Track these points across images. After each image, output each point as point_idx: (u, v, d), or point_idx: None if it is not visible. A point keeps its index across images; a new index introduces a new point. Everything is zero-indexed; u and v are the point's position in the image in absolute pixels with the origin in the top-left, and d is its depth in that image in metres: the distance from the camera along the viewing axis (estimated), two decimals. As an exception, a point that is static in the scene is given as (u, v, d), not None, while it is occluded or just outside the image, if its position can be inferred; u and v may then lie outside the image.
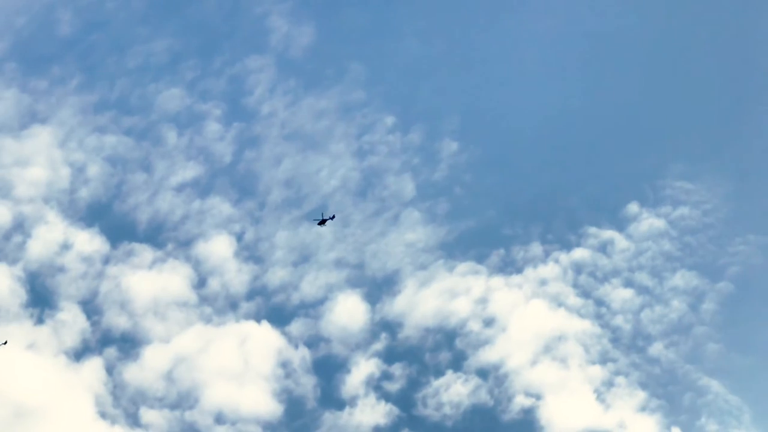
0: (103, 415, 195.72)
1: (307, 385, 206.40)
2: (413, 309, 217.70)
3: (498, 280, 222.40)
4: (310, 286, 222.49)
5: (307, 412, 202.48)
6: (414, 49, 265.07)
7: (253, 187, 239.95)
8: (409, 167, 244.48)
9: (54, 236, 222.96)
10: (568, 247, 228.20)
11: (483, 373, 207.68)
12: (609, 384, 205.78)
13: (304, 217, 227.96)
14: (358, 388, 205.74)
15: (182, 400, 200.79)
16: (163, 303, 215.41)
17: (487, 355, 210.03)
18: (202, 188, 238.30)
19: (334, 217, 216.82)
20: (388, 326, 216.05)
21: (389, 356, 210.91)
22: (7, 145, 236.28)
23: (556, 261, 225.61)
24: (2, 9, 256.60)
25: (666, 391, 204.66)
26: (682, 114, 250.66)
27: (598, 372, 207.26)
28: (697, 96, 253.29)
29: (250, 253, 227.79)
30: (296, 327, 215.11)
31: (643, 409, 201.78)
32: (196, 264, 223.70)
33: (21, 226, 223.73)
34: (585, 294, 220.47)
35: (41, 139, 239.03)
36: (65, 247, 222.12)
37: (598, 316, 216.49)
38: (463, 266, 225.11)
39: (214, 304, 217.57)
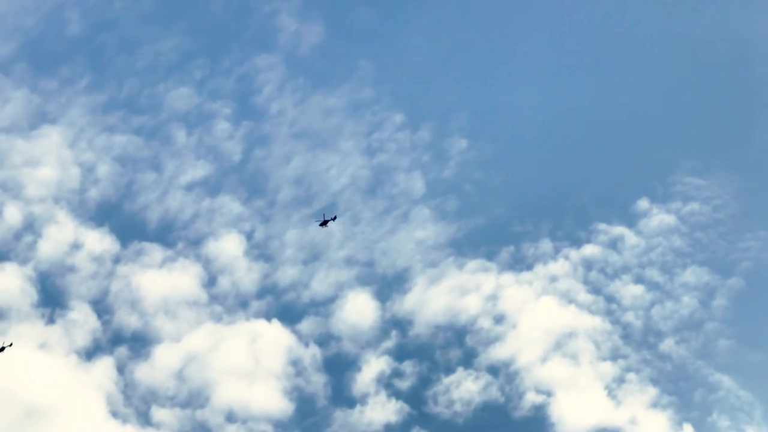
0: (115, 414, 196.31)
1: (318, 383, 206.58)
2: (423, 306, 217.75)
3: (508, 277, 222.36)
4: (320, 284, 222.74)
5: (317, 411, 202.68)
6: (423, 46, 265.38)
7: (263, 185, 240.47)
8: (419, 165, 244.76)
9: (64, 236, 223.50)
10: (578, 243, 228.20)
11: (494, 370, 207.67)
12: (620, 380, 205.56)
13: (314, 215, 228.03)
14: (369, 385, 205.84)
15: (193, 399, 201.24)
16: (173, 302, 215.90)
17: (497, 352, 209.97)
18: (211, 187, 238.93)
19: (335, 218, 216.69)
20: (399, 324, 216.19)
21: (400, 354, 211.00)
22: (18, 146, 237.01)
23: (566, 257, 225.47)
24: (11, 10, 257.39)
25: (677, 387, 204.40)
26: (692, 110, 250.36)
27: (609, 368, 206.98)
28: (707, 91, 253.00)
29: (260, 251, 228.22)
30: (307, 325, 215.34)
31: (654, 405, 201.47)
32: (207, 263, 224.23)
33: (31, 226, 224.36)
34: (595, 290, 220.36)
35: (51, 140, 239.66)
36: (76, 246, 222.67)
37: (608, 313, 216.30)
38: (473, 263, 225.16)
39: (225, 302, 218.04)
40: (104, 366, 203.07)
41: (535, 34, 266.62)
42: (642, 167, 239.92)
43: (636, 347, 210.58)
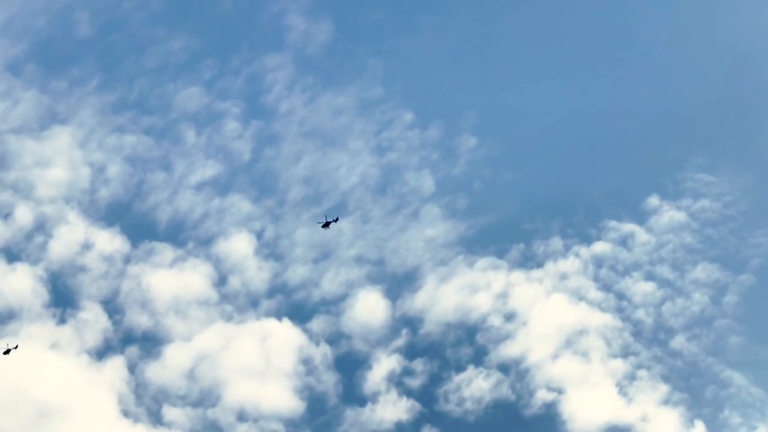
0: (126, 413, 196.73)
1: (329, 381, 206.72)
2: (434, 305, 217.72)
3: (518, 275, 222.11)
4: (330, 283, 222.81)
5: (328, 409, 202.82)
6: (432, 44, 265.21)
7: (273, 184, 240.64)
8: (428, 163, 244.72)
9: (75, 236, 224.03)
10: (588, 241, 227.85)
11: (504, 368, 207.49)
12: (631, 377, 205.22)
13: (324, 214, 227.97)
14: (380, 384, 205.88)
15: (204, 398, 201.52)
16: (184, 301, 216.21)
17: (508, 350, 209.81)
18: (221, 187, 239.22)
19: (337, 219, 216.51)
20: (409, 322, 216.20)
21: (410, 352, 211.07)
22: (28, 146, 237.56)
23: (577, 255, 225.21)
24: (21, 11, 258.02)
25: (688, 384, 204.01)
26: (702, 106, 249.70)
27: (619, 366, 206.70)
28: (717, 88, 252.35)
29: (270, 250, 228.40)
30: (317, 324, 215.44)
31: (665, 402, 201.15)
32: (217, 262, 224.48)
33: (42, 227, 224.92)
34: (606, 288, 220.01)
35: (61, 140, 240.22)
36: (86, 246, 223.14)
37: (619, 310, 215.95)
38: (483, 261, 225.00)
39: (235, 302, 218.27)
40: (115, 365, 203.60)
41: (543, 33, 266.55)
42: (652, 164, 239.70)
43: (647, 344, 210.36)
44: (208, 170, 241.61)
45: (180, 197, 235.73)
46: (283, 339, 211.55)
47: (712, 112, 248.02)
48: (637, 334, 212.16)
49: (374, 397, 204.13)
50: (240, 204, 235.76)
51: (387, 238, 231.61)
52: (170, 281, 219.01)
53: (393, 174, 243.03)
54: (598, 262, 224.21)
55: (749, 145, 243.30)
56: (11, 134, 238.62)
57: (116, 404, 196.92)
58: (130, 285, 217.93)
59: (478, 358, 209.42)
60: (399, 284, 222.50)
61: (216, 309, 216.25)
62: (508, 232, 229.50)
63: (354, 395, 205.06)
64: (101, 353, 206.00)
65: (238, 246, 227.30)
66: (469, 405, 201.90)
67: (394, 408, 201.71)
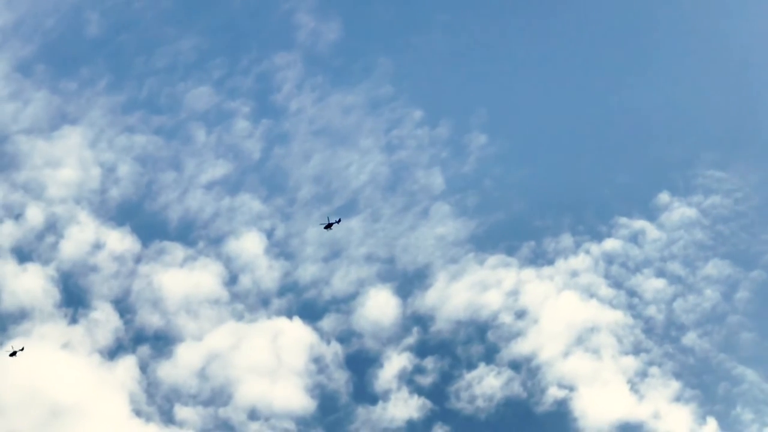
0: (138, 412, 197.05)
1: (340, 380, 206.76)
2: (444, 302, 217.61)
3: (529, 272, 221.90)
4: (341, 281, 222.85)
5: (340, 407, 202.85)
6: (441, 42, 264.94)
7: (283, 183, 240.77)
8: (438, 161, 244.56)
9: (86, 236, 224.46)
10: (599, 237, 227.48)
11: (515, 365, 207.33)
12: (643, 374, 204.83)
13: (331, 214, 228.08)
14: (391, 382, 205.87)
15: (216, 397, 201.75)
16: (195, 301, 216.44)
17: (519, 348, 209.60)
18: (231, 186, 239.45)
19: (340, 220, 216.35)
20: (420, 320, 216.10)
21: (421, 350, 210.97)
22: (39, 147, 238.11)
23: (587, 252, 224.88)
24: (31, 12, 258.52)
25: (700, 380, 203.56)
26: (712, 103, 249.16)
27: (631, 362, 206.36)
28: (727, 84, 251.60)
29: (280, 249, 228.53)
30: (328, 322, 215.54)
31: (677, 399, 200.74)
32: (227, 261, 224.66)
33: (53, 227, 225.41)
34: (617, 285, 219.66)
35: (72, 140, 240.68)
36: (97, 246, 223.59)
37: (630, 307, 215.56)
38: (493, 259, 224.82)
39: (246, 301, 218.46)
40: (127, 365, 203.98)
41: (553, 30, 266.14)
42: (662, 161, 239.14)
43: (658, 341, 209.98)
44: (218, 169, 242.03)
45: (190, 196, 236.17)
46: (294, 338, 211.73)
47: (722, 109, 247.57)
48: (648, 330, 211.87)
49: (385, 395, 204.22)
50: (250, 203, 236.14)
51: (397, 236, 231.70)
52: (181, 280, 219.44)
53: (403, 172, 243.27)
54: (609, 259, 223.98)
55: (760, 141, 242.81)
56: (22, 135, 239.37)
57: (128, 403, 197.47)
58: (141, 284, 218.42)
59: (489, 355, 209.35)
60: (409, 282, 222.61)
61: (227, 308, 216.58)
62: (518, 229, 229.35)
63: (365, 393, 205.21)
64: (113, 353, 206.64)
65: (249, 245, 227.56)
66: (480, 403, 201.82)
67: (405, 406, 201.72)
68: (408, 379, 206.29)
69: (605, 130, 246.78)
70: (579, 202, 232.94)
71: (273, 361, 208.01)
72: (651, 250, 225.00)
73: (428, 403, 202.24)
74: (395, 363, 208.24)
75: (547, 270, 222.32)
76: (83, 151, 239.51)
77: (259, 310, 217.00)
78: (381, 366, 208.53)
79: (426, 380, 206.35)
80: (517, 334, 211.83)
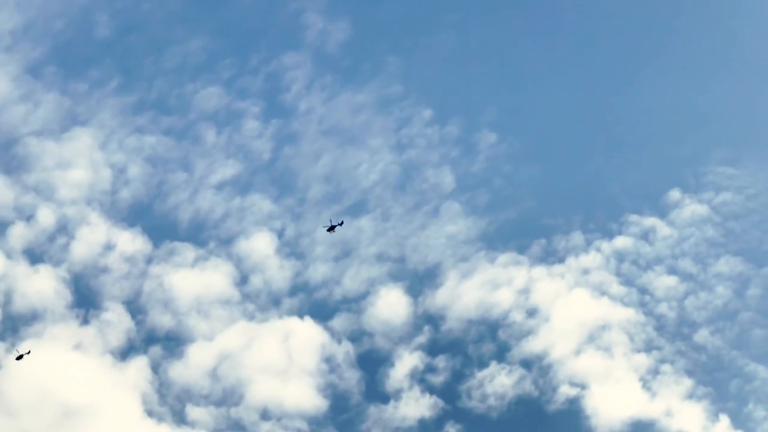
0: (150, 413, 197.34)
1: (352, 379, 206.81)
2: (455, 301, 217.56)
3: (540, 270, 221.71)
4: (351, 280, 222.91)
5: (352, 407, 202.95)
6: (450, 41, 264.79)
7: (293, 183, 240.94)
8: (448, 160, 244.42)
9: (97, 237, 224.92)
10: (609, 235, 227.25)
11: (527, 363, 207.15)
12: (655, 372, 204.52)
13: (345, 212, 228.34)
14: (402, 381, 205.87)
15: (227, 397, 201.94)
16: (206, 301, 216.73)
17: (530, 346, 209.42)
18: (241, 186, 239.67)
19: (342, 223, 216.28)
20: (431, 319, 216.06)
21: (433, 349, 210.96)
22: (49, 148, 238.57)
23: (598, 250, 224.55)
24: (40, 14, 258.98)
25: (713, 378, 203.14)
26: (723, 99, 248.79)
27: (643, 360, 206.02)
28: (738, 81, 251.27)
29: (291, 249, 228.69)
30: (339, 322, 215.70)
31: (689, 396, 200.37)
32: (238, 261, 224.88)
33: (64, 228, 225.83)
34: (628, 282, 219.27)
35: (82, 142, 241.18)
36: (108, 247, 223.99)
37: (641, 304, 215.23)
38: (504, 257, 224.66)
39: (257, 301, 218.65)
40: (139, 365, 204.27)
41: (563, 28, 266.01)
42: (673, 157, 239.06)
43: (670, 338, 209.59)
44: (229, 170, 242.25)
45: (201, 197, 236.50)
46: (306, 337, 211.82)
47: (733, 105, 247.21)
48: (660, 328, 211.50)
49: (397, 395, 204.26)
50: (260, 203, 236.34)
51: (408, 235, 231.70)
52: (192, 281, 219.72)
53: (413, 171, 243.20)
54: (620, 256, 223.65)
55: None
56: (32, 136, 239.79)
57: (140, 404, 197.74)
58: (153, 285, 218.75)
59: (501, 354, 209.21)
60: (420, 281, 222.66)
61: (238, 308, 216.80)
62: (528, 227, 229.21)
63: (377, 392, 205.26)
64: (124, 353, 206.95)
65: (259, 245, 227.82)
66: (492, 401, 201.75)
67: (416, 405, 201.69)
68: (419, 378, 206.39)
69: (615, 127, 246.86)
70: (589, 200, 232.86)
71: (284, 360, 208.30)
72: (662, 248, 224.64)
73: (440, 402, 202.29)
74: (407, 362, 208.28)
75: (558, 268, 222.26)
76: (94, 152, 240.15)
77: (270, 310, 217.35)
78: (392, 365, 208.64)
79: (437, 379, 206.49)
80: (529, 333, 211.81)
